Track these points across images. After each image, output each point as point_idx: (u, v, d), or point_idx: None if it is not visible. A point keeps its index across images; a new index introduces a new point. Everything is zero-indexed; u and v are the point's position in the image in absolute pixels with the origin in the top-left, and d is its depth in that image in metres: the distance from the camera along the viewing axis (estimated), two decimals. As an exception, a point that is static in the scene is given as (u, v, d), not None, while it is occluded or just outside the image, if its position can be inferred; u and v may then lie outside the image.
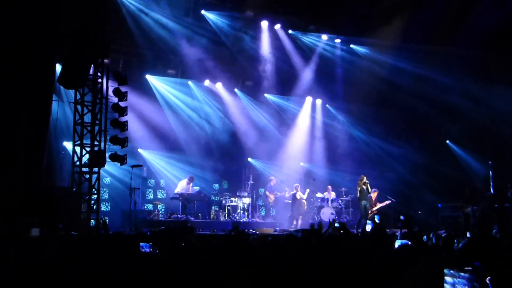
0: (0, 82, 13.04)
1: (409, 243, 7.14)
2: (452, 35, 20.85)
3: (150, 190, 23.27)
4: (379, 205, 20.28)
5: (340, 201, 22.79)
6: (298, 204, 21.88)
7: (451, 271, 2.80)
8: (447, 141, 23.24)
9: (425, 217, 21.07)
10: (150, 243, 6.30)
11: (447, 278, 2.79)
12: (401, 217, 14.32)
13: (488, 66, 21.43)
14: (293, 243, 7.45)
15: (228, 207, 21.43)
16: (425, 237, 9.43)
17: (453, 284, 2.75)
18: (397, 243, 7.12)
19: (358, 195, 19.69)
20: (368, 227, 17.10)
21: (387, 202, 20.39)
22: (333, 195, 22.87)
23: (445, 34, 21.21)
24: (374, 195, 20.42)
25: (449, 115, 22.86)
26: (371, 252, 5.31)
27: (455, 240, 8.71)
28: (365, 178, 19.68)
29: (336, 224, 10.14)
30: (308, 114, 26.37)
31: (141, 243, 6.32)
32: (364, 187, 19.45)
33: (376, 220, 19.31)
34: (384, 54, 23.30)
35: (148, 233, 10.71)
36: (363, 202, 19.46)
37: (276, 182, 23.36)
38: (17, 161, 13.15)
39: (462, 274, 2.72)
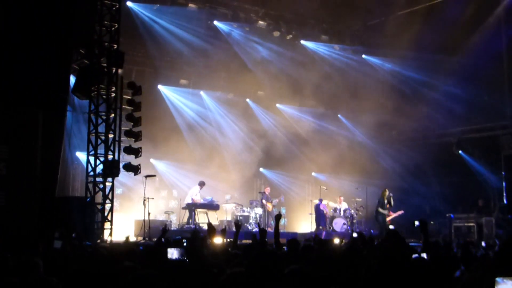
0: (16, 93, 13.19)
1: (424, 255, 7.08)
2: (463, 46, 21.00)
3: (162, 200, 23.25)
4: (392, 215, 20.23)
5: (352, 211, 22.67)
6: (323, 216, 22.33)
7: (504, 280, 2.75)
8: (460, 151, 23.07)
9: (438, 227, 20.95)
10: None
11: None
12: (416, 223, 14.15)
13: (498, 76, 21.39)
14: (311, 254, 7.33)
15: (240, 217, 21.37)
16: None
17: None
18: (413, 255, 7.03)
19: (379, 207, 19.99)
20: None
21: (400, 212, 20.35)
22: (344, 205, 22.82)
23: (457, 44, 21.32)
24: None
25: (462, 125, 22.86)
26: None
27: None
28: (387, 191, 19.97)
29: (354, 234, 10.12)
30: (319, 124, 26.29)
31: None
32: (386, 199, 19.78)
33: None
34: (396, 64, 23.37)
35: (163, 240, 10.66)
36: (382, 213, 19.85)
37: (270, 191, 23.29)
38: (33, 173, 13.27)
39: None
